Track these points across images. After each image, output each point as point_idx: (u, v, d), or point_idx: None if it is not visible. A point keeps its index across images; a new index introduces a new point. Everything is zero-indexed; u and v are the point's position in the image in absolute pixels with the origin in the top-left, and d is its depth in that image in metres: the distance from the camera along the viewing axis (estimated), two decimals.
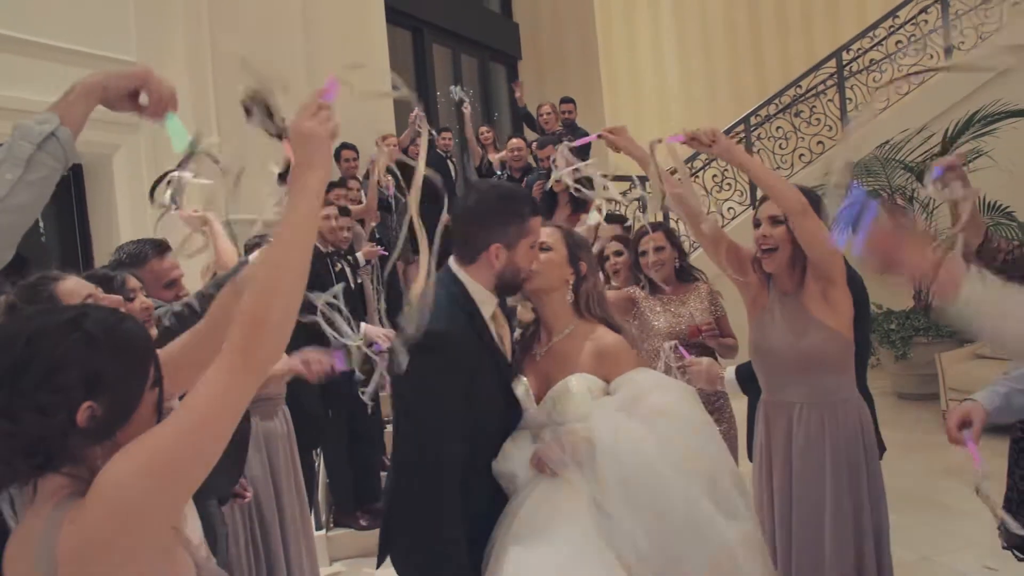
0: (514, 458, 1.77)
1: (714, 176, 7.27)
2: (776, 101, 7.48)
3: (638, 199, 6.76)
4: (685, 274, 3.06)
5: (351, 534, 4.00)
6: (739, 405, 2.74)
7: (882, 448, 2.38)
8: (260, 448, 2.73)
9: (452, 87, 5.55)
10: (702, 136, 2.10)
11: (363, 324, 4.00)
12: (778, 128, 7.40)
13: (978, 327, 1.49)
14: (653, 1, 11.29)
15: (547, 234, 1.89)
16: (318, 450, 4.12)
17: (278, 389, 2.89)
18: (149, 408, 1.04)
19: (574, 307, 1.90)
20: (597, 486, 1.67)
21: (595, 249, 3.51)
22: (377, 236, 5.62)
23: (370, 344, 3.97)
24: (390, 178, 5.56)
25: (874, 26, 7.37)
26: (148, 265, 2.31)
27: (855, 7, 9.96)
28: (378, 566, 1.83)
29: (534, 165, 5.96)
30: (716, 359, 3.04)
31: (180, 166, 1.51)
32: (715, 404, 2.86)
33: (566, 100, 7.04)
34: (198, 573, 1.04)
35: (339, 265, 4.11)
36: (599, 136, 2.23)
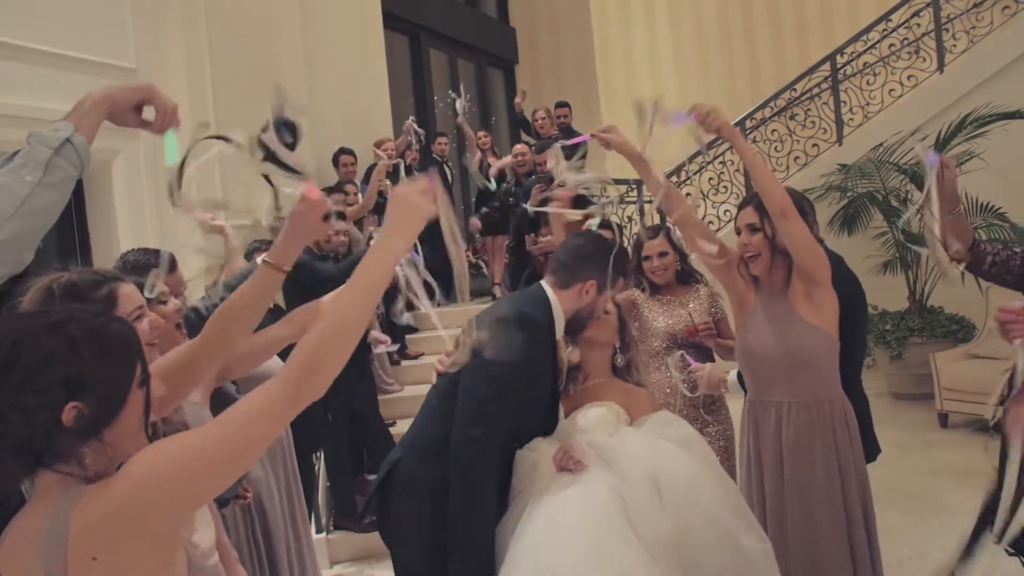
0: (540, 449, 2.00)
1: (710, 179, 7.32)
2: (771, 104, 7.53)
3: (634, 204, 6.82)
4: (686, 276, 3.07)
5: (351, 537, 4.02)
6: (735, 406, 2.77)
7: (877, 449, 2.41)
8: (264, 456, 2.75)
9: (451, 93, 5.67)
10: (704, 115, 2.09)
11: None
12: (773, 131, 7.45)
13: None
14: (649, 6, 11.35)
15: (609, 304, 2.22)
16: (318, 454, 4.15)
17: None
18: (137, 407, 1.07)
19: (613, 366, 2.26)
20: (620, 479, 1.87)
21: None
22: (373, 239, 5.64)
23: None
24: (388, 183, 5.59)
25: (867, 29, 7.42)
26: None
27: (848, 11, 10.02)
28: (362, 519, 2.00)
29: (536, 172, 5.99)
30: (714, 360, 3.07)
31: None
32: (711, 406, 2.88)
33: (561, 104, 7.08)
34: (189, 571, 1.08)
35: None
36: (592, 136, 2.22)
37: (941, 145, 6.24)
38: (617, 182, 6.19)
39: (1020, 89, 6.44)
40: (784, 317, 2.22)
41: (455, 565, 1.87)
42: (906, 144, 6.33)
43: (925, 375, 5.61)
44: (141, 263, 2.35)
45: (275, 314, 3.46)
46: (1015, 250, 2.11)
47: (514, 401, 1.92)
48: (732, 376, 2.53)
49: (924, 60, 7.16)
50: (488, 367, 1.85)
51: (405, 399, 4.92)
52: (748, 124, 7.45)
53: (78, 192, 4.45)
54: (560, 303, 2.03)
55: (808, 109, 7.42)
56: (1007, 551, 2.53)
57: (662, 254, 2.99)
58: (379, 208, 5.69)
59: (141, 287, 2.03)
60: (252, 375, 2.80)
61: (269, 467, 2.78)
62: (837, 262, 2.30)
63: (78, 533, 0.95)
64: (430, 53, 8.76)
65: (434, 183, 1.31)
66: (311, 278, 3.56)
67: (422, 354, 5.74)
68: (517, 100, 7.70)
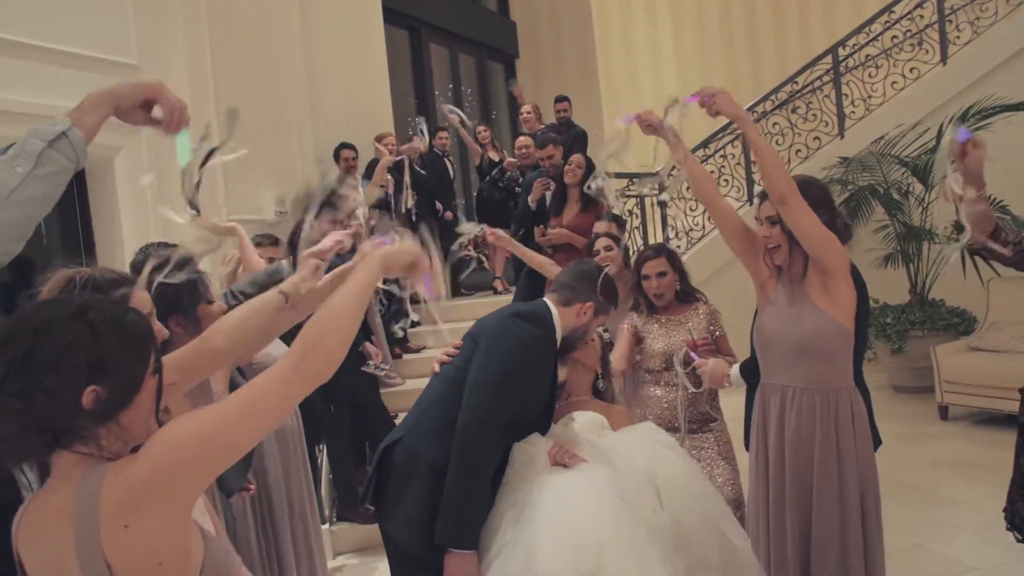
0: (536, 441, 2.12)
1: (711, 172, 7.32)
2: (772, 97, 7.51)
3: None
4: (685, 296, 3.03)
5: (354, 528, 4.05)
6: (734, 400, 2.78)
7: (878, 441, 2.42)
8: (273, 443, 2.78)
9: (448, 107, 5.77)
10: (710, 98, 2.16)
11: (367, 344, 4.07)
12: (775, 124, 7.44)
13: None
14: None
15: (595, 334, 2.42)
16: (321, 445, 4.18)
17: None
18: (150, 393, 1.14)
19: (594, 388, 2.49)
20: (616, 474, 1.97)
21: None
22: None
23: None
24: (390, 177, 5.61)
25: (870, 21, 7.39)
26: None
27: (851, 2, 9.99)
28: (361, 503, 2.10)
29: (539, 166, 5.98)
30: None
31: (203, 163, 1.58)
32: (711, 405, 2.89)
33: (561, 98, 7.07)
34: (206, 542, 1.14)
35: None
36: (636, 118, 2.29)
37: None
38: (618, 176, 6.20)
39: None
40: (799, 305, 2.25)
41: (442, 529, 1.93)
42: (907, 136, 6.33)
43: (926, 368, 5.62)
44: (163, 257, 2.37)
45: None
46: None
47: (520, 390, 2.04)
48: (735, 370, 2.56)
49: (927, 52, 7.14)
50: (502, 352, 2.01)
51: (406, 392, 4.94)
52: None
53: (81, 187, 4.47)
54: (560, 319, 2.18)
55: (810, 102, 7.40)
56: (1016, 538, 2.57)
57: (661, 274, 2.95)
58: (382, 204, 5.71)
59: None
60: (256, 361, 2.83)
61: (279, 459, 2.80)
62: None
63: (109, 503, 1.02)
64: (430, 47, 8.76)
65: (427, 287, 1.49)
66: None
67: (424, 347, 5.77)
68: (517, 94, 7.69)
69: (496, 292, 6.96)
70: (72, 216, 4.53)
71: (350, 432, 4.10)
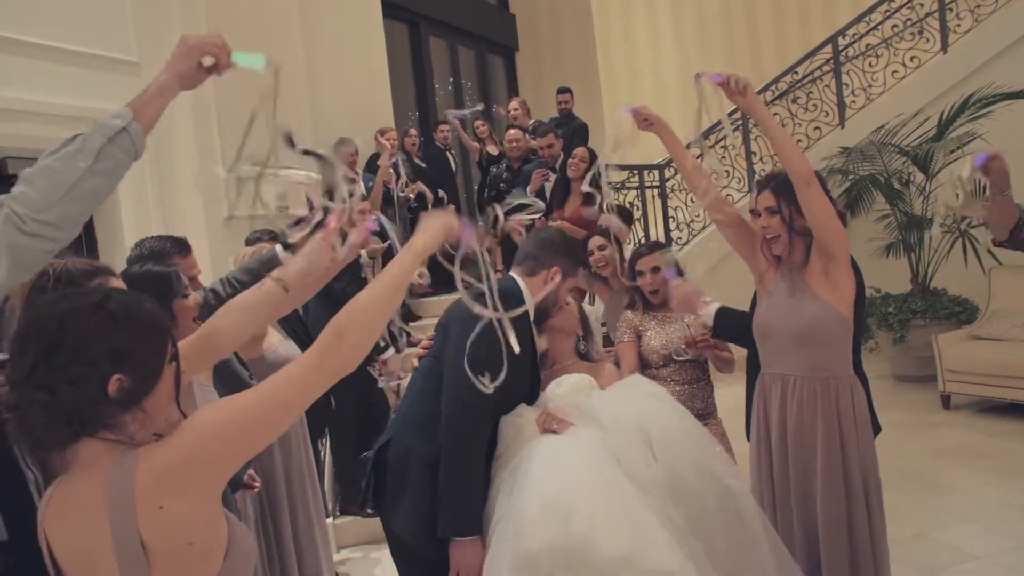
0: (523, 413, 2.13)
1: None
2: (773, 88, 7.50)
3: (635, 189, 6.77)
4: None
5: (356, 521, 4.06)
6: (734, 391, 2.79)
7: (877, 428, 2.42)
8: (275, 441, 2.79)
9: (451, 114, 5.75)
10: (733, 83, 2.17)
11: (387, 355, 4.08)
12: (775, 114, 7.41)
13: None
14: None
15: (569, 298, 2.40)
16: (323, 439, 4.19)
17: None
18: (169, 380, 1.17)
19: (577, 352, 2.46)
20: (604, 434, 1.99)
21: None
22: (377, 231, 5.65)
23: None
24: (393, 173, 5.61)
25: (870, 10, 7.36)
26: (169, 262, 2.36)
27: None
28: (362, 507, 2.10)
29: (534, 157, 5.98)
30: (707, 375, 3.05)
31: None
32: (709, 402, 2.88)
33: (563, 90, 7.06)
34: (230, 527, 1.17)
35: None
36: (633, 111, 2.32)
37: (944, 126, 6.21)
38: (620, 168, 6.19)
39: None
40: (800, 293, 2.26)
41: (443, 522, 1.94)
42: (908, 125, 6.31)
43: (928, 357, 5.62)
44: (158, 250, 2.39)
45: (294, 324, 3.49)
46: None
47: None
48: (712, 307, 2.57)
49: (927, 40, 7.12)
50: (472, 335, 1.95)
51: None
52: None
53: None
54: (529, 290, 2.17)
55: (810, 92, 7.39)
56: None
57: (655, 269, 2.91)
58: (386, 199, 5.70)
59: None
60: (271, 361, 2.83)
61: (280, 455, 2.81)
62: None
63: (145, 486, 1.06)
64: (430, 41, 8.74)
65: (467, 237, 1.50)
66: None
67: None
68: (499, 116, 7.60)
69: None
70: None
71: (355, 427, 4.11)
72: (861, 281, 2.40)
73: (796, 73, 7.47)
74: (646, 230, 6.94)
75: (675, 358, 2.81)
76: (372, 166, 5.88)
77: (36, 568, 1.18)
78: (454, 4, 9.05)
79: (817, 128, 7.32)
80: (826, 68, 7.35)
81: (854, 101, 7.29)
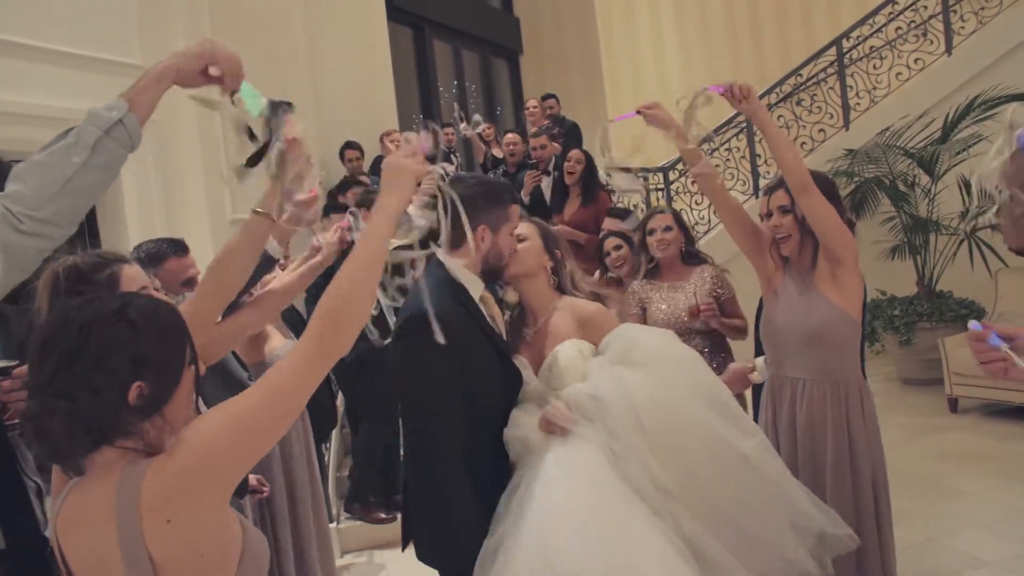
0: (524, 424, 1.87)
1: (716, 166, 7.29)
2: (777, 90, 7.48)
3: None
4: (689, 257, 3.05)
5: (361, 526, 4.05)
6: None
7: None
8: (275, 447, 2.77)
9: (460, 121, 5.73)
10: (736, 90, 2.16)
11: None
12: (779, 117, 7.39)
13: None
14: None
15: (523, 227, 2.04)
16: (326, 444, 4.17)
17: None
18: (188, 384, 1.16)
19: (557, 289, 2.06)
20: (609, 435, 1.77)
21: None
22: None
23: None
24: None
25: (874, 13, 7.35)
26: (166, 264, 2.36)
27: None
28: (403, 548, 1.92)
29: (531, 160, 5.97)
30: (727, 345, 3.03)
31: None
32: None
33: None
34: (244, 534, 1.15)
35: None
36: (638, 112, 2.23)
37: (949, 128, 6.19)
38: (623, 170, 6.17)
39: None
40: (808, 296, 2.24)
41: (442, 555, 1.78)
42: (913, 127, 6.29)
43: (934, 360, 5.59)
44: (155, 252, 2.38)
45: (295, 317, 3.48)
46: None
47: (451, 402, 1.76)
48: (759, 363, 2.45)
49: (932, 43, 7.10)
50: (404, 391, 1.80)
51: None
52: None
53: None
54: (460, 261, 1.87)
55: (814, 94, 7.36)
56: None
57: (667, 228, 2.98)
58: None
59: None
60: (266, 361, 2.83)
61: (281, 461, 2.80)
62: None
63: (150, 501, 1.04)
64: (434, 44, 8.75)
65: (424, 145, 1.38)
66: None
67: None
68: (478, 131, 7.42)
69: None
70: None
71: (386, 417, 3.99)
72: (863, 285, 2.39)
73: (800, 75, 7.45)
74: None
75: (685, 321, 2.78)
76: (376, 168, 5.88)
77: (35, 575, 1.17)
78: (458, 7, 9.06)
79: (822, 130, 7.30)
80: (830, 70, 7.33)
81: (859, 103, 7.27)
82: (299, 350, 1.16)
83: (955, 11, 7.03)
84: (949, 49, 7.02)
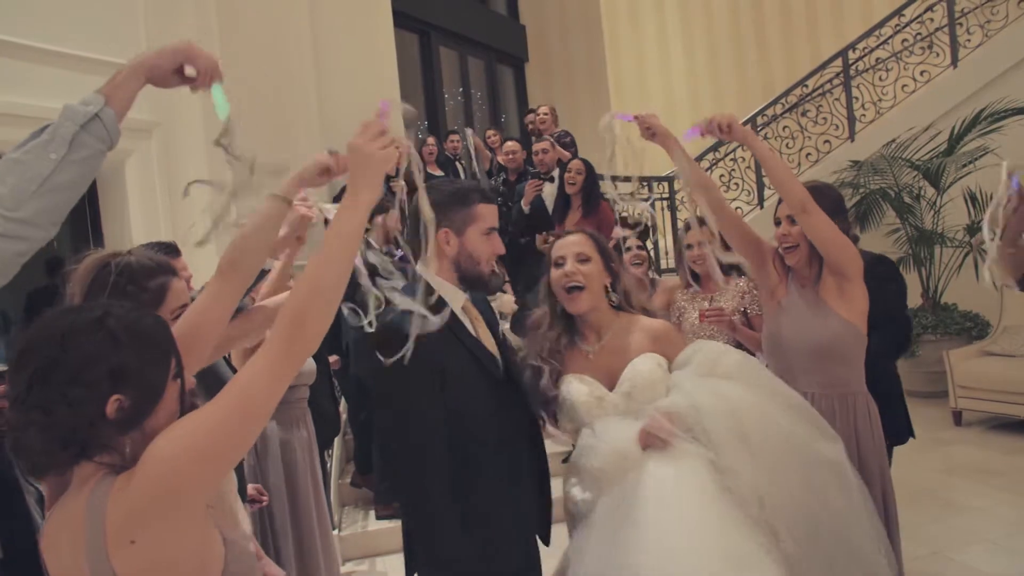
0: (615, 437, 1.80)
1: (721, 176, 7.30)
2: (782, 101, 7.49)
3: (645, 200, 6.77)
4: (726, 269, 3.10)
5: (361, 534, 4.02)
6: None
7: (910, 431, 2.40)
8: (277, 455, 2.76)
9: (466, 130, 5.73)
10: (715, 127, 2.14)
11: None
12: (785, 128, 7.41)
13: None
14: (658, 2, 11.33)
15: (581, 244, 2.00)
16: (329, 451, 4.15)
17: (301, 393, 2.92)
18: (173, 398, 1.11)
19: (613, 306, 2.02)
20: (710, 448, 1.75)
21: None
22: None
23: None
24: (402, 183, 5.59)
25: (880, 25, 7.36)
26: None
27: (860, 6, 9.96)
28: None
29: (531, 168, 5.96)
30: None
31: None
32: None
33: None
34: (226, 548, 1.10)
35: None
36: (635, 118, 2.19)
37: (955, 140, 6.18)
38: (626, 179, 6.16)
39: None
40: (815, 309, 2.24)
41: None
42: (919, 139, 6.28)
43: (939, 373, 5.57)
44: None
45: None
46: None
47: (431, 411, 1.68)
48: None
49: (937, 55, 7.10)
50: (381, 404, 1.72)
51: None
52: (759, 121, 7.42)
53: (92, 190, 4.49)
54: (437, 274, 1.76)
55: (820, 105, 7.37)
56: None
57: (703, 243, 3.01)
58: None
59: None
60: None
61: (282, 470, 2.78)
62: (878, 262, 2.50)
63: (115, 521, 0.99)
64: (440, 51, 8.77)
65: (385, 120, 1.30)
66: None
67: None
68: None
69: (504, 294, 6.93)
70: (83, 218, 4.55)
71: None
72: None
73: (806, 86, 7.46)
74: (656, 244, 6.91)
75: (714, 332, 2.87)
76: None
77: None
78: (464, 14, 9.08)
79: (827, 141, 7.30)
80: (836, 82, 7.34)
81: (864, 115, 7.27)
82: (265, 356, 1.08)
83: (961, 24, 7.04)
84: (955, 62, 7.02)
